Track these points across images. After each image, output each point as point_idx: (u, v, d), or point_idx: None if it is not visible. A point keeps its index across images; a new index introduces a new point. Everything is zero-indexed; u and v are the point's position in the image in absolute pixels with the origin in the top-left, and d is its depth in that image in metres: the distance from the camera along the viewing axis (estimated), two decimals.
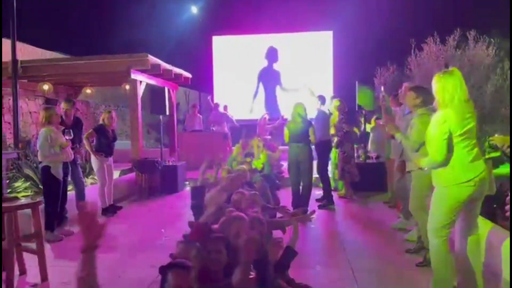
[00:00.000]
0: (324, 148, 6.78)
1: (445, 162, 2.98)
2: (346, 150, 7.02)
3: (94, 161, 6.37)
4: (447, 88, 2.98)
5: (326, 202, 6.64)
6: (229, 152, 9.15)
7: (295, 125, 6.11)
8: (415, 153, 3.53)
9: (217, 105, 12.01)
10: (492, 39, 8.45)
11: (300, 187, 6.28)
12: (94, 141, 6.41)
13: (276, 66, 14.98)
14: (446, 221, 3.06)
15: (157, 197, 7.76)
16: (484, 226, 3.83)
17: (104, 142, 6.39)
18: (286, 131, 6.22)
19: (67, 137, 5.30)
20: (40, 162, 5.19)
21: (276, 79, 14.90)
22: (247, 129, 11.26)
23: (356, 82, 8.01)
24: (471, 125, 3.03)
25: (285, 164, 9.34)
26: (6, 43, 8.10)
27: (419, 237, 4.26)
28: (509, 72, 8.07)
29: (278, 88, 14.92)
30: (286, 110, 13.85)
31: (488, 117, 8.14)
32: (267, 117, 11.13)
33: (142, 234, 5.39)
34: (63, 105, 5.99)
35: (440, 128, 2.97)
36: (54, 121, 5.21)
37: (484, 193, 3.13)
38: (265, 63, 15.06)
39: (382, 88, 6.80)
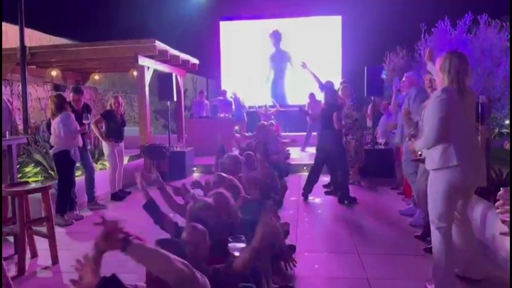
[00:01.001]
0: None
1: (438, 141, 2.92)
2: (357, 137, 6.98)
3: (105, 146, 6.44)
4: (451, 68, 2.95)
5: (333, 188, 6.59)
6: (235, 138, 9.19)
7: (322, 110, 6.10)
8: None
9: (224, 92, 12.03)
10: (504, 23, 8.29)
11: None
12: (104, 127, 6.46)
13: (283, 47, 14.85)
14: (443, 210, 2.99)
15: (165, 182, 7.79)
16: (492, 211, 3.82)
17: (113, 127, 6.43)
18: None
19: (85, 121, 5.40)
20: (52, 147, 5.26)
21: (286, 60, 14.77)
22: (252, 115, 11.41)
23: (365, 67, 7.93)
24: (470, 110, 3.01)
25: (292, 150, 9.41)
26: (14, 29, 8.12)
27: (426, 223, 4.26)
28: None
29: (288, 71, 14.80)
30: (292, 96, 13.93)
31: (498, 102, 8.05)
32: (267, 105, 11.95)
33: (151, 219, 5.43)
34: (72, 95, 5.98)
35: (437, 105, 2.92)
36: (67, 107, 5.28)
37: (478, 183, 3.09)
38: (273, 48, 14.95)
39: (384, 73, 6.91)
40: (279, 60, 14.85)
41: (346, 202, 6.01)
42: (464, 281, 3.23)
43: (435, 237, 3.07)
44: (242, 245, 2.22)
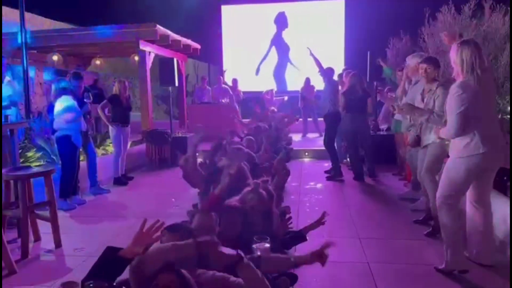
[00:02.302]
0: (332, 120, 6.72)
1: (459, 134, 2.98)
2: None
3: (111, 130, 6.48)
4: (464, 61, 2.93)
5: (334, 174, 6.65)
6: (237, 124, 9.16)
7: (354, 95, 6.17)
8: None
9: (219, 79, 11.88)
10: (509, 8, 8.17)
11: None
12: (110, 111, 6.50)
13: (285, 35, 14.73)
14: (455, 191, 3.07)
15: (167, 168, 7.84)
16: (495, 199, 3.81)
17: (119, 111, 6.46)
18: (342, 100, 6.35)
19: (87, 100, 5.39)
20: (54, 132, 5.27)
21: (286, 51, 14.69)
22: (255, 101, 11.28)
23: (368, 52, 7.87)
24: (490, 97, 2.99)
25: (294, 136, 9.39)
26: (15, 13, 8.05)
27: (428, 208, 4.27)
28: None
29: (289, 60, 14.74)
30: (293, 83, 13.84)
31: (501, 89, 7.97)
32: (274, 89, 11.73)
33: (153, 204, 5.48)
34: (71, 81, 5.95)
35: (457, 100, 2.93)
36: (68, 91, 5.27)
37: (498, 166, 3.11)
38: (274, 29, 14.80)
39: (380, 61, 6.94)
40: (281, 46, 14.74)
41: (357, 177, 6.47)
42: (474, 266, 3.23)
43: (443, 213, 3.11)
44: (267, 245, 2.22)
